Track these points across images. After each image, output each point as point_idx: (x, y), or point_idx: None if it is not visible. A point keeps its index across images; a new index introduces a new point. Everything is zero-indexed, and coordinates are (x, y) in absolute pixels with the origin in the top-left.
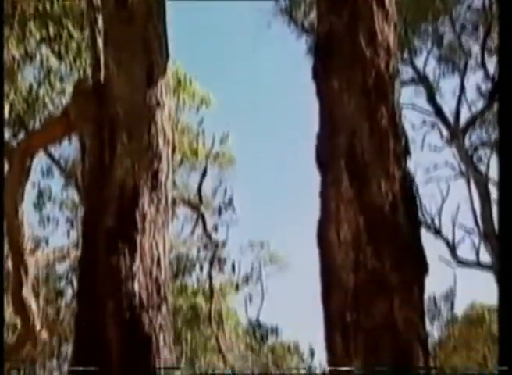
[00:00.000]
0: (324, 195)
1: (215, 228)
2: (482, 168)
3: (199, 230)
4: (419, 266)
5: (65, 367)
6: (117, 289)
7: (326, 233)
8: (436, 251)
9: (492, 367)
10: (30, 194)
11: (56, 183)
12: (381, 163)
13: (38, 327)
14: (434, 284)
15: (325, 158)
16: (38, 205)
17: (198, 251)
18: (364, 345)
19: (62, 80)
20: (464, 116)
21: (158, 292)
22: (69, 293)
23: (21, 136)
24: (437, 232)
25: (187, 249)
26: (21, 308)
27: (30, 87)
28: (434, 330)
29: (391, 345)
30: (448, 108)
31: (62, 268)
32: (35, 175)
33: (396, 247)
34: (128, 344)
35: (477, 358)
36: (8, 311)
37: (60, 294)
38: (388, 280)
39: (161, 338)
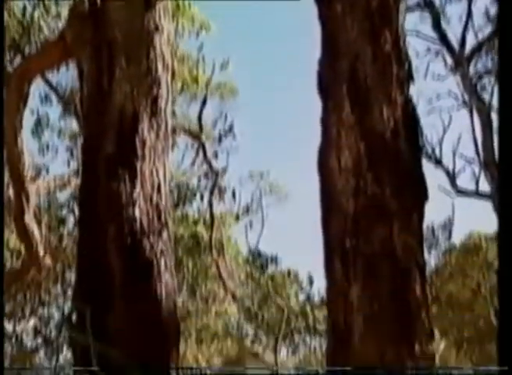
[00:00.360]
0: (325, 122)
1: (216, 155)
2: (486, 97)
3: (199, 160)
4: (419, 193)
5: (70, 292)
6: (118, 215)
7: (327, 160)
8: (436, 181)
9: (485, 292)
10: (28, 121)
11: (54, 110)
12: (383, 88)
13: (41, 253)
14: (433, 214)
15: (326, 84)
16: (37, 133)
17: (199, 181)
18: (363, 271)
19: (57, 2)
20: (470, 42)
21: (159, 218)
22: (71, 221)
23: (17, 61)
24: (438, 162)
25: (188, 179)
26: (24, 234)
27: (24, 9)
28: (431, 259)
29: (389, 271)
30: (453, 35)
31: (63, 196)
32: (33, 102)
33: (396, 173)
34: (129, 268)
35: (471, 284)
36: (12, 237)
37: (62, 222)
38: (388, 206)
39: (163, 263)
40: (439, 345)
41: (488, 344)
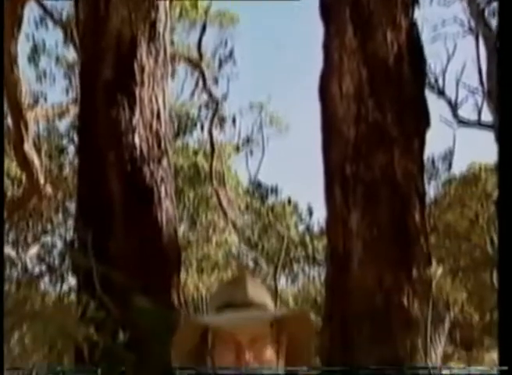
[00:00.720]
0: (327, 47)
1: (216, 81)
2: (493, 22)
3: (199, 89)
4: (421, 119)
5: (71, 222)
6: (117, 142)
7: (328, 86)
8: (438, 112)
9: (482, 222)
10: (24, 47)
11: (50, 36)
12: (387, 11)
13: (42, 182)
14: (433, 145)
15: (329, 7)
16: (33, 60)
17: (199, 110)
18: (363, 197)
19: None
20: None
21: (159, 145)
22: (71, 151)
23: None
24: (440, 92)
25: (188, 109)
26: (24, 163)
27: None
28: (431, 190)
29: (389, 197)
30: None
31: (62, 126)
32: (28, 27)
33: (398, 99)
34: (130, 195)
35: (469, 214)
36: (13, 165)
37: (62, 151)
38: (389, 132)
39: (163, 190)
40: (437, 272)
41: (483, 272)
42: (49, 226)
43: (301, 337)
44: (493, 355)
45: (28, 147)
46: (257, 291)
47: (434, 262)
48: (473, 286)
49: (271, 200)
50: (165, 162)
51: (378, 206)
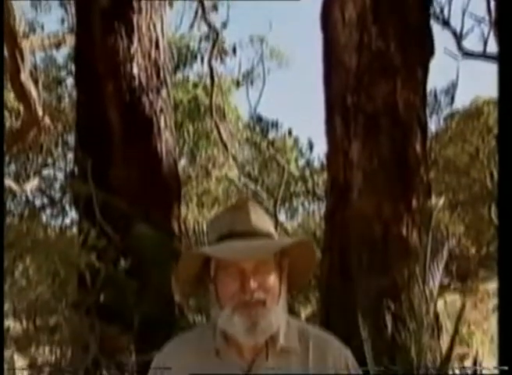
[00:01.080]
0: None
1: (215, 8)
2: None
3: (199, 20)
4: (425, 47)
5: (70, 155)
6: (116, 72)
7: (330, 14)
8: (442, 44)
9: (482, 157)
10: None
11: None
12: None
13: (40, 113)
14: (436, 78)
15: None
16: None
17: (199, 42)
18: (364, 127)
19: None
20: None
21: (158, 75)
22: (69, 82)
23: None
24: (445, 23)
25: (187, 42)
26: (21, 93)
27: None
28: (432, 124)
29: (391, 127)
30: None
31: (60, 57)
32: None
33: (402, 26)
34: (129, 125)
35: (469, 149)
36: (10, 96)
37: (60, 83)
38: (392, 61)
39: (162, 120)
40: (437, 204)
41: (481, 206)
42: (49, 160)
43: (303, 263)
44: (487, 286)
45: (25, 77)
46: (259, 219)
47: (434, 196)
48: (471, 220)
49: (271, 135)
50: (164, 92)
51: (379, 137)
